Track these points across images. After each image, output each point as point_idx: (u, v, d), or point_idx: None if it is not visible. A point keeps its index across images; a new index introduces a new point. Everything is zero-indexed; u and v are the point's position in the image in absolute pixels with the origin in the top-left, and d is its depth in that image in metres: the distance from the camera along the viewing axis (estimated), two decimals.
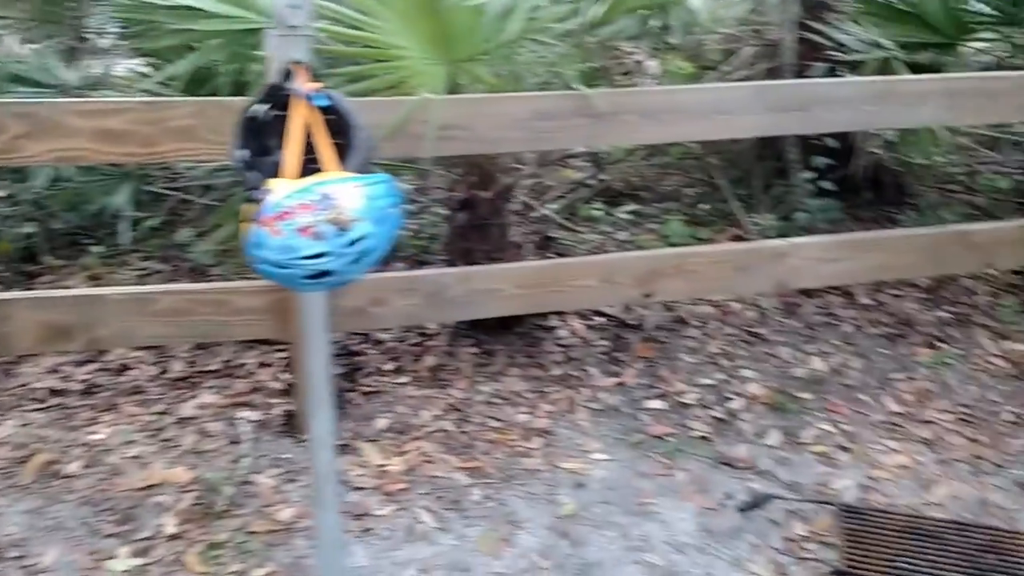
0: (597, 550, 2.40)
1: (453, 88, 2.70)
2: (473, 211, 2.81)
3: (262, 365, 2.94)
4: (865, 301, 3.58)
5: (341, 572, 2.18)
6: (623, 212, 4.09)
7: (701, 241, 4.05)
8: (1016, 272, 3.73)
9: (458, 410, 2.88)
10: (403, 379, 2.98)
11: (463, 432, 2.80)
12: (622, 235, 4.12)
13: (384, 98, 2.53)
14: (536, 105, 2.61)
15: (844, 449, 2.86)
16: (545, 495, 2.58)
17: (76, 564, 2.18)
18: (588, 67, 5.31)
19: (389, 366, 3.03)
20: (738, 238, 3.99)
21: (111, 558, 2.21)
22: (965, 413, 2.98)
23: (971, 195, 4.56)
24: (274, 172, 1.68)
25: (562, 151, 4.16)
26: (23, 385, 2.86)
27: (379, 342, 3.15)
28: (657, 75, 5.06)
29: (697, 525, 2.52)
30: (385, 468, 2.60)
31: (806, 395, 3.08)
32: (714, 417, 2.97)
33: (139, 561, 2.20)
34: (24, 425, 2.63)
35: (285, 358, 2.94)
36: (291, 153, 1.65)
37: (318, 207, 1.58)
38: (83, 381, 2.85)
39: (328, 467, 2.13)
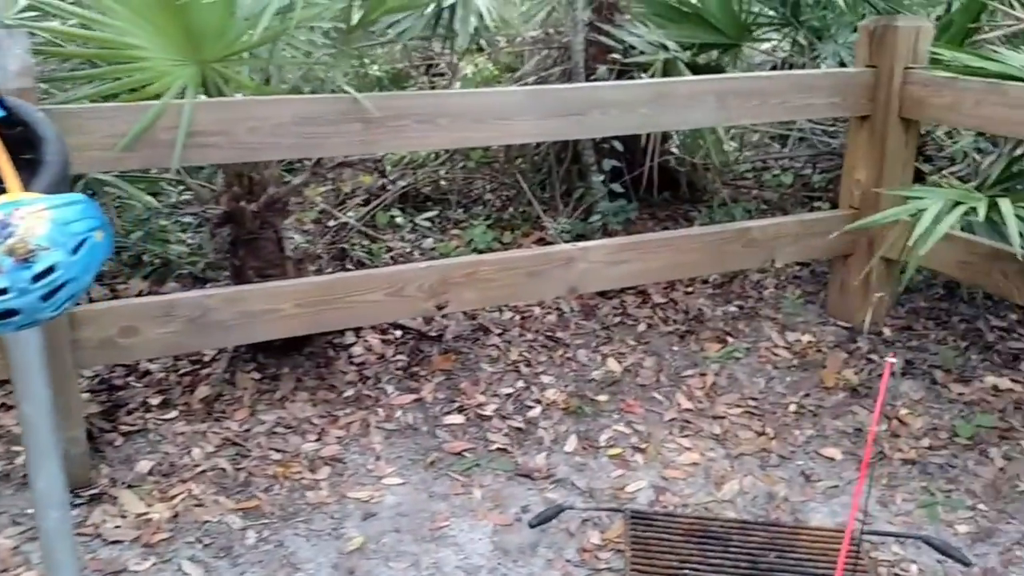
0: None
1: (213, 92, 2.48)
2: (239, 225, 2.59)
3: (4, 407, 2.60)
4: (659, 300, 3.64)
5: None
6: (424, 219, 3.98)
7: (506, 246, 4.00)
8: (800, 264, 3.93)
9: (235, 444, 2.64)
10: (172, 414, 2.71)
11: (239, 469, 2.57)
12: (427, 242, 4.01)
13: (125, 103, 2.28)
14: (300, 109, 2.43)
15: (638, 450, 2.86)
16: (330, 530, 2.41)
17: None
18: (392, 69, 5.18)
19: (156, 400, 2.74)
20: (542, 241, 3.98)
21: None
22: (753, 406, 3.07)
23: (761, 191, 4.79)
24: None
25: (365, 156, 4.00)
26: None
27: (146, 373, 2.86)
28: (469, 78, 4.99)
29: (492, 545, 2.43)
30: (147, 517, 2.33)
31: (602, 397, 3.07)
32: (513, 427, 2.90)
33: None
34: None
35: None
36: None
37: None
38: None
39: (59, 526, 1.86)
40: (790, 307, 3.59)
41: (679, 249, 3.08)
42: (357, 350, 3.09)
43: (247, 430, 2.69)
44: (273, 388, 2.86)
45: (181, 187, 3.68)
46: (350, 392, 2.91)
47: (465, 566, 2.35)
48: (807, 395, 3.08)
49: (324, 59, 2.71)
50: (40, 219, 1.40)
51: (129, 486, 2.42)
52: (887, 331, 3.38)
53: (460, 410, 2.93)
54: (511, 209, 4.26)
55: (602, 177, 3.86)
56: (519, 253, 2.90)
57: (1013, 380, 3.04)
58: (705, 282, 3.81)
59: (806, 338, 3.39)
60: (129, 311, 2.38)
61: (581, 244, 2.96)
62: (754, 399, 3.10)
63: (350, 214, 3.67)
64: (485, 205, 4.34)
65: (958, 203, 2.56)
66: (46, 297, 1.41)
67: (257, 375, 2.89)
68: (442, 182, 4.37)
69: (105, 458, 2.50)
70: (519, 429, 2.89)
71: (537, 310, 3.51)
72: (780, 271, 3.90)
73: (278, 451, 2.63)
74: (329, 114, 2.44)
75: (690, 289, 3.75)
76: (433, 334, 3.24)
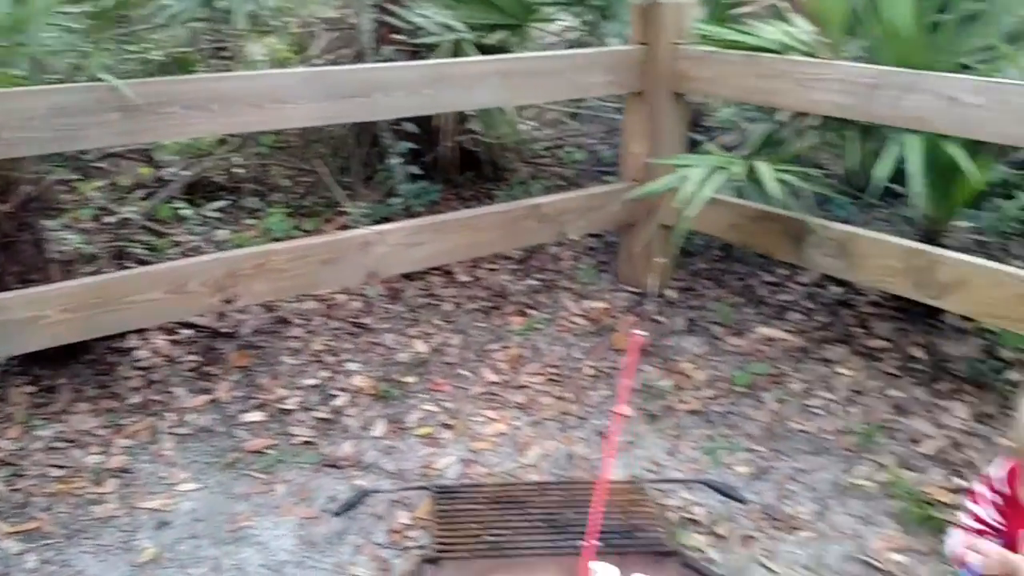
0: None
1: None
2: None
3: None
4: (463, 279, 3.70)
5: None
6: (213, 209, 3.81)
7: (307, 234, 3.91)
8: (595, 236, 4.10)
9: (9, 464, 2.44)
10: None
11: (15, 490, 2.37)
12: (221, 234, 3.85)
13: None
14: (54, 100, 2.25)
15: (447, 427, 2.91)
16: (120, 544, 2.27)
17: None
18: (176, 53, 4.90)
19: None
20: (345, 228, 3.92)
21: None
22: (553, 373, 3.19)
23: (561, 167, 4.96)
24: None
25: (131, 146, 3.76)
26: None
27: None
28: (264, 60, 4.80)
29: (297, 539, 2.38)
30: None
31: (410, 379, 3.08)
32: (318, 418, 2.86)
33: None
34: None
35: None
36: None
37: None
38: None
39: None
40: (585, 277, 3.75)
41: (476, 228, 3.14)
42: (142, 354, 2.93)
43: (22, 448, 2.48)
44: (49, 401, 2.66)
45: None
46: (136, 399, 2.75)
47: (270, 563, 2.30)
48: (602, 358, 3.24)
49: (84, 47, 2.53)
50: None
51: None
52: (672, 293, 3.61)
53: (260, 407, 2.84)
54: (311, 195, 4.17)
55: (401, 159, 3.85)
56: (312, 240, 2.84)
57: (782, 330, 3.34)
58: (507, 258, 3.90)
59: (600, 305, 3.56)
60: None
61: (378, 227, 2.95)
62: (554, 366, 3.22)
63: (131, 209, 3.45)
64: (283, 192, 4.22)
65: (720, 168, 2.77)
66: None
67: (31, 388, 2.67)
68: (235, 170, 4.20)
69: None
70: (325, 420, 2.85)
71: (341, 297, 3.46)
72: (576, 243, 4.06)
73: (58, 467, 2.45)
74: (85, 103, 2.27)
75: (494, 266, 3.83)
76: (227, 330, 3.13)
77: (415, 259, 3.02)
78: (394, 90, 2.75)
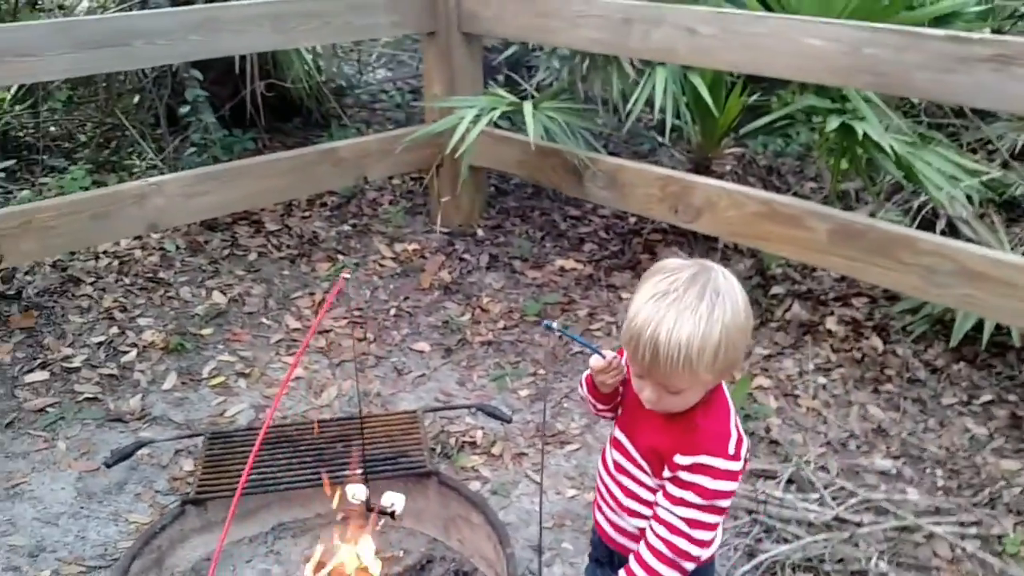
0: None
1: None
2: None
3: None
4: (272, 227, 3.69)
5: None
6: (5, 168, 3.66)
7: None
8: (415, 179, 4.14)
9: None
10: None
11: None
12: (23, 195, 3.71)
13: None
14: None
15: (243, 375, 2.93)
16: None
17: None
18: None
19: None
20: None
21: None
22: (357, 316, 3.25)
23: (396, 111, 4.95)
24: None
25: None
26: None
27: None
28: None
29: (76, 492, 2.39)
30: None
31: (206, 331, 3.08)
32: (105, 375, 2.84)
33: None
34: None
35: None
36: None
37: None
38: None
39: None
40: (399, 220, 3.80)
41: (265, 175, 3.13)
42: None
43: None
44: None
45: None
46: None
47: (44, 516, 2.30)
48: (406, 298, 3.31)
49: None
50: None
51: None
52: (480, 231, 3.71)
53: (43, 366, 2.81)
54: (116, 150, 4.06)
55: (204, 110, 3.77)
56: (82, 196, 2.79)
57: (577, 260, 3.48)
58: (323, 205, 3.91)
59: (412, 247, 3.62)
60: None
61: (154, 179, 2.90)
62: (359, 309, 3.28)
63: None
64: (87, 148, 4.09)
65: (492, 108, 2.84)
66: None
67: None
68: (33, 125, 4.04)
69: None
70: (112, 376, 2.84)
71: (139, 252, 3.41)
72: (397, 187, 4.10)
73: None
74: None
75: (307, 213, 3.83)
76: (11, 292, 3.06)
77: (198, 209, 3.00)
78: (158, 38, 2.70)
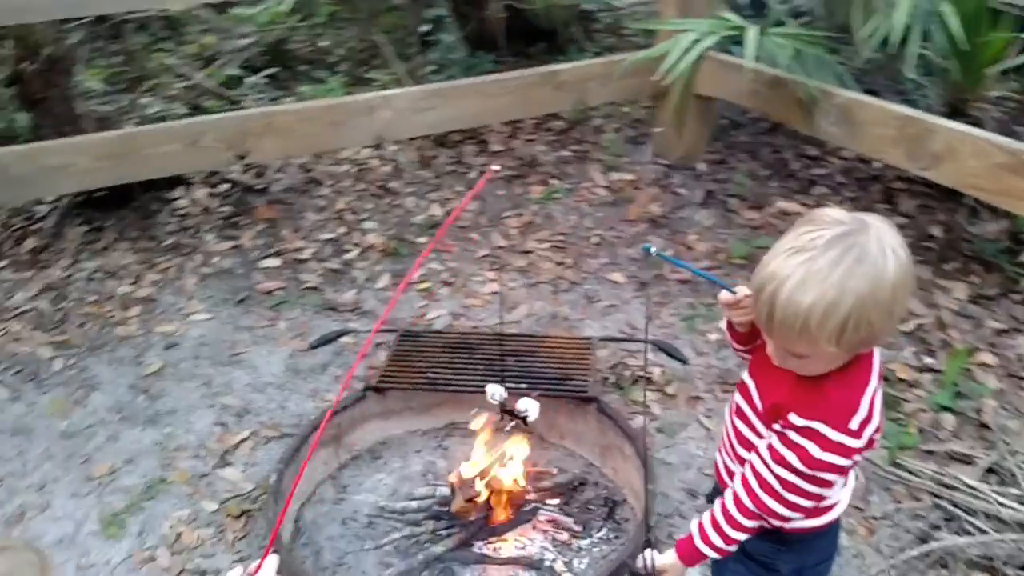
0: (175, 400, 2.53)
1: None
2: (26, 86, 2.73)
3: None
4: (497, 148, 3.78)
5: None
6: (267, 76, 4.07)
7: None
8: (645, 107, 4.01)
9: (56, 289, 2.89)
10: (1, 264, 2.95)
11: (58, 309, 2.82)
12: (289, 100, 4.12)
13: None
14: None
15: (446, 284, 3.09)
16: (132, 358, 2.67)
17: None
18: None
19: None
20: None
21: None
22: (560, 241, 3.27)
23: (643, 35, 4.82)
24: None
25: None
26: None
27: None
28: None
29: (285, 367, 2.69)
30: None
31: (421, 240, 3.28)
32: (328, 269, 3.12)
33: None
34: None
35: None
36: None
37: None
38: None
39: None
40: (619, 149, 3.73)
41: (486, 94, 3.20)
42: (182, 203, 3.29)
43: (69, 276, 2.93)
44: (97, 239, 3.09)
45: None
46: (170, 241, 3.13)
47: (255, 383, 2.62)
48: (611, 228, 3.27)
49: None
50: None
51: None
52: (701, 165, 3.53)
53: (278, 255, 3.14)
54: (370, 66, 4.35)
55: (448, 29, 3.93)
56: (318, 103, 3.04)
57: (802, 204, 3.21)
58: (548, 129, 3.93)
59: (626, 177, 3.55)
60: None
61: (385, 92, 3.09)
62: (563, 234, 3.29)
63: (198, 75, 3.78)
64: (345, 61, 4.42)
65: (711, 33, 2.66)
66: None
67: (84, 228, 3.11)
68: (300, 40, 4.44)
69: None
70: (334, 270, 3.11)
71: (375, 162, 3.67)
72: (625, 115, 4.01)
73: (95, 294, 2.88)
74: None
75: (531, 136, 3.88)
76: (261, 187, 3.43)
77: (422, 124, 3.15)
78: None
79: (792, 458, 1.21)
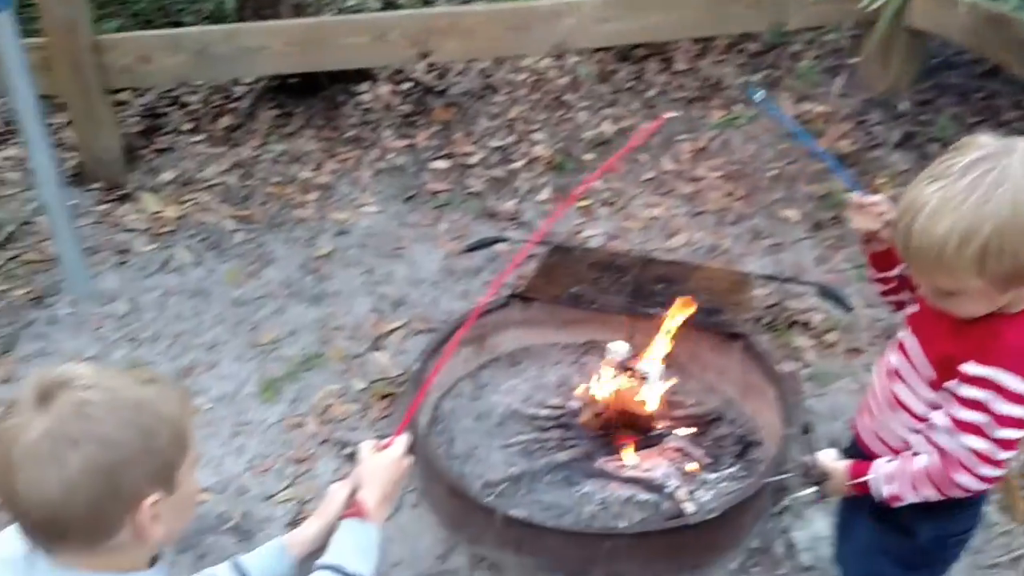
0: (339, 283, 2.67)
1: None
2: None
3: (70, 123, 3.14)
4: (680, 67, 3.62)
5: (86, 292, 2.50)
6: None
7: None
8: (849, 35, 3.69)
9: (244, 167, 3.08)
10: (198, 138, 3.18)
11: (244, 186, 3.02)
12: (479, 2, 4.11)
13: None
14: None
15: (607, 204, 3.04)
16: (306, 239, 2.83)
17: None
18: None
19: (188, 126, 3.22)
20: None
21: None
22: (733, 170, 3.12)
23: None
24: None
25: None
26: None
27: (184, 105, 3.33)
28: None
29: (441, 266, 2.77)
30: (159, 214, 2.85)
31: (589, 156, 3.22)
32: (493, 176, 3.15)
33: None
34: None
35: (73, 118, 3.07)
36: None
37: None
38: None
39: (55, 198, 2.37)
40: (814, 78, 3.46)
41: (674, 6, 3.05)
42: (366, 97, 3.39)
43: (256, 156, 3.11)
44: (286, 124, 3.25)
45: None
46: (351, 133, 3.25)
47: (411, 277, 2.72)
48: (792, 162, 3.07)
49: None
50: None
51: (151, 190, 2.94)
52: (904, 104, 3.22)
53: (447, 157, 3.19)
54: None
55: None
56: (504, 5, 3.01)
57: None
58: (741, 51, 3.71)
59: (818, 109, 3.30)
60: (143, 41, 2.79)
61: None
62: (738, 164, 3.14)
63: None
64: None
65: None
66: None
67: (275, 112, 3.28)
68: None
69: (137, 168, 3.03)
70: (498, 178, 3.13)
71: (553, 72, 3.62)
72: (825, 43, 3.71)
73: (279, 175, 3.05)
74: None
75: (721, 58, 3.67)
76: (440, 88, 3.47)
77: (604, 34, 3.06)
78: None
79: (976, 418, 1.13)
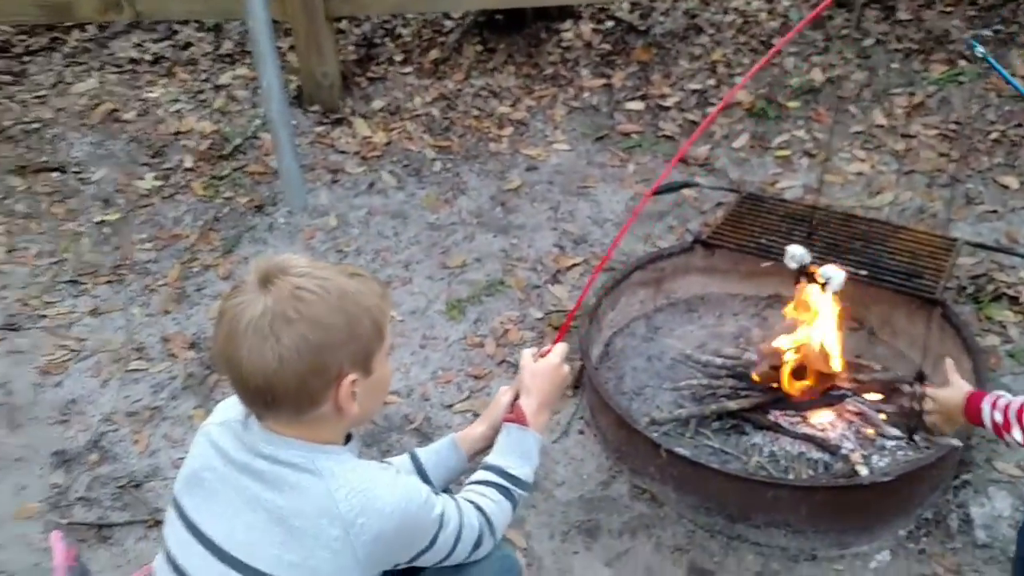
0: (525, 216, 2.76)
1: None
2: None
3: (293, 48, 3.38)
4: (904, 16, 3.35)
5: (301, 205, 2.73)
6: None
7: None
8: None
9: (446, 99, 3.21)
10: (407, 69, 3.33)
11: (445, 117, 3.15)
12: None
13: None
14: None
15: (808, 155, 2.92)
16: (497, 173, 2.93)
17: (116, 181, 2.90)
18: None
19: (399, 57, 3.38)
20: None
21: (141, 179, 2.91)
22: (951, 130, 2.89)
23: None
24: None
25: None
26: (111, 53, 3.53)
27: (398, 36, 3.49)
28: None
29: (625, 208, 2.78)
30: (369, 139, 3.04)
31: (792, 104, 3.09)
32: (688, 120, 3.10)
33: (159, 183, 2.88)
34: (101, 83, 3.32)
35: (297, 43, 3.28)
36: None
37: None
38: (154, 53, 3.49)
39: (280, 116, 2.59)
40: None
41: None
42: (567, 36, 3.40)
43: (459, 90, 3.23)
44: (488, 59, 3.34)
45: None
46: (550, 70, 3.29)
47: (595, 216, 2.75)
48: (1018, 126, 2.81)
49: None
50: None
51: (363, 116, 3.14)
52: None
53: (643, 98, 3.17)
54: None
55: None
56: None
57: None
58: (973, 3, 3.39)
59: None
60: None
61: None
62: (957, 123, 2.90)
63: None
64: None
65: None
66: None
67: (479, 47, 3.37)
68: None
69: (352, 95, 3.23)
70: (693, 121, 3.08)
71: (763, 15, 3.46)
72: None
73: (478, 109, 3.16)
74: None
75: (949, 9, 3.37)
76: (642, 28, 3.42)
77: None
78: None
79: None
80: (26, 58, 3.51)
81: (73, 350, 2.34)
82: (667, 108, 3.14)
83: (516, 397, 1.35)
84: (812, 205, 2.53)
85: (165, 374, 2.25)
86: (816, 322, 2.00)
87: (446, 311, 2.42)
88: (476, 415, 2.12)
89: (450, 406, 2.14)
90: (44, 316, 2.44)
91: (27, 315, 2.45)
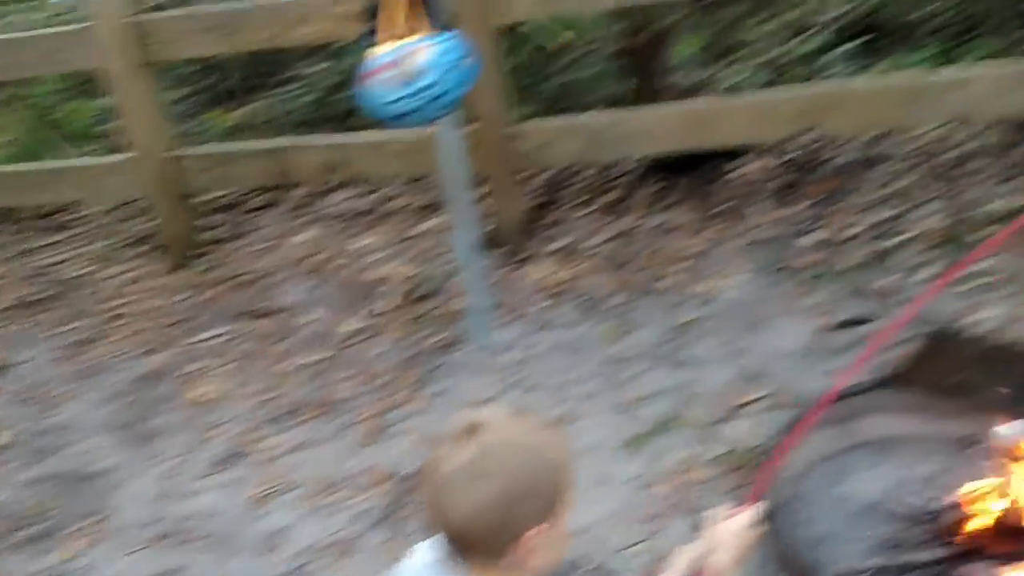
0: (701, 351, 2.80)
1: None
2: (631, 57, 3.13)
3: (482, 197, 3.67)
4: None
5: (488, 342, 2.93)
6: (847, 49, 3.92)
7: None
8: None
9: (623, 236, 3.36)
10: (586, 210, 3.53)
11: (622, 254, 3.29)
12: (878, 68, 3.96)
13: None
14: None
15: (1006, 283, 2.76)
16: (673, 306, 3.01)
17: (325, 321, 3.25)
18: None
19: (578, 199, 3.59)
20: None
21: (343, 322, 3.24)
22: None
23: None
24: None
25: None
26: (328, 206, 3.99)
27: (575, 180, 3.71)
28: None
29: (807, 342, 2.75)
30: (550, 277, 3.23)
31: (981, 234, 2.95)
32: (871, 251, 3.05)
33: (362, 324, 3.19)
34: (316, 235, 3.76)
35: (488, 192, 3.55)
36: (382, 26, 2.28)
37: (394, 65, 2.20)
38: (362, 207, 3.92)
39: (471, 260, 2.84)
40: None
41: None
42: (743, 170, 3.47)
43: (636, 227, 3.38)
44: (665, 197, 3.47)
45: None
46: (725, 206, 3.37)
47: (775, 351, 2.75)
48: None
49: None
50: (426, 51, 2.22)
51: (546, 256, 3.34)
52: None
53: (821, 230, 3.16)
54: (968, 36, 3.92)
55: None
56: (893, 79, 2.92)
57: None
58: None
59: None
60: (545, 129, 3.21)
61: (967, 71, 2.83)
62: None
63: (788, 44, 3.83)
64: (941, 31, 4.05)
65: None
66: (429, 103, 2.25)
67: (655, 186, 3.52)
68: (894, 5, 4.15)
69: (536, 236, 3.46)
70: (876, 253, 3.03)
71: (944, 144, 3.37)
72: None
73: (654, 245, 3.28)
74: None
75: None
76: (818, 161, 3.43)
77: (1009, 106, 2.81)
78: None
79: None
80: (252, 213, 4.06)
81: (281, 482, 2.62)
82: (846, 240, 3.10)
83: (702, 556, 1.32)
84: (1015, 340, 2.41)
85: (365, 504, 2.46)
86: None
87: (620, 448, 2.48)
88: (656, 558, 2.13)
89: (624, 549, 2.16)
90: (257, 449, 2.76)
91: (242, 448, 2.77)
